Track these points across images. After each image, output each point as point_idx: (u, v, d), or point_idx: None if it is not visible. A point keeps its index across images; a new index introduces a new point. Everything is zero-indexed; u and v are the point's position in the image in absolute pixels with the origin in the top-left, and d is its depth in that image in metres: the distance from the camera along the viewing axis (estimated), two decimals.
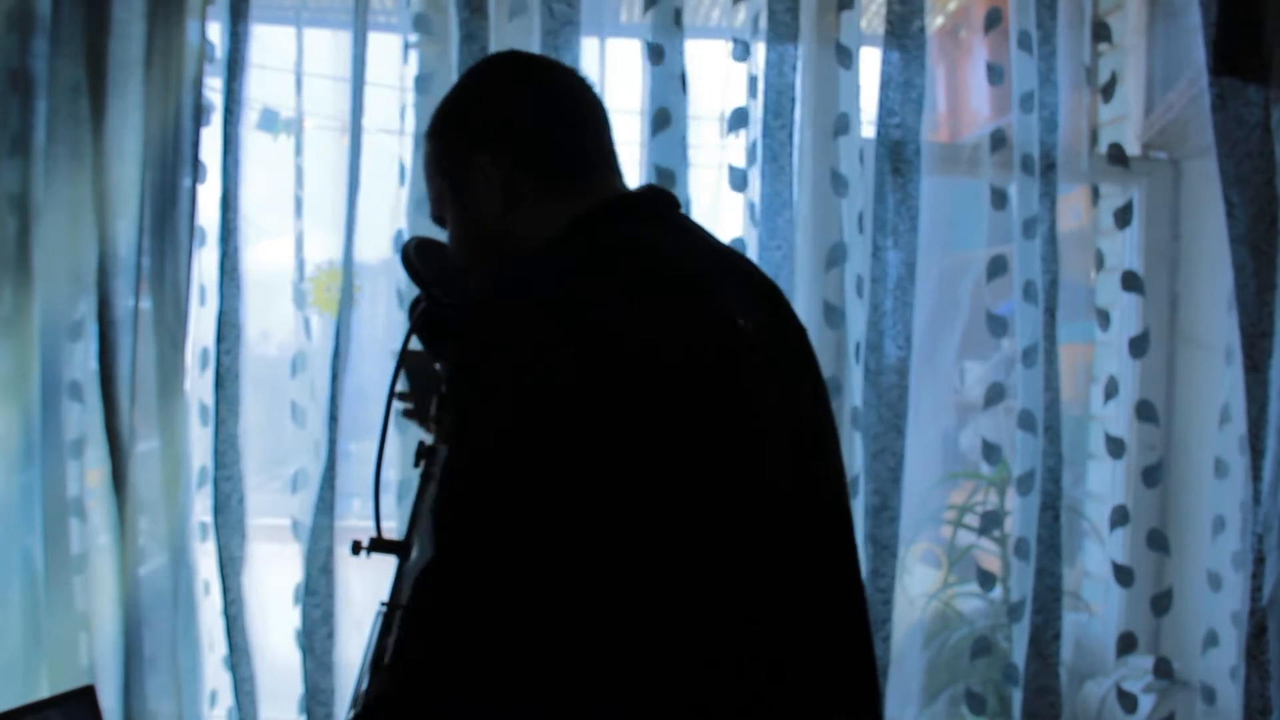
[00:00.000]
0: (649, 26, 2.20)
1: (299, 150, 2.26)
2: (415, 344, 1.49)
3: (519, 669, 1.01)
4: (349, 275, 2.20)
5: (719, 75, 2.27)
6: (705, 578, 1.05)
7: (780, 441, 1.14)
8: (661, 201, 1.27)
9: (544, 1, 2.17)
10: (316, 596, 2.19)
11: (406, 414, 1.63)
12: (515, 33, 2.20)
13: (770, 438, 1.12)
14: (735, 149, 2.26)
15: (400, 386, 1.58)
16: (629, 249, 1.15)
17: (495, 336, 1.06)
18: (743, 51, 2.24)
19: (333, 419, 2.16)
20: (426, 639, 1.03)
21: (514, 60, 1.35)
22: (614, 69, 2.25)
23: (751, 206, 2.23)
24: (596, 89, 1.30)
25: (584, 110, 1.27)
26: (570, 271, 1.10)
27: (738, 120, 2.25)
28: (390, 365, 2.13)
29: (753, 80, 2.23)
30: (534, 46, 2.18)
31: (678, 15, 2.18)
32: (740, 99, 2.24)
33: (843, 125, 2.23)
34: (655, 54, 2.19)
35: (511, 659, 1.01)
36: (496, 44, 2.20)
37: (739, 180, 2.25)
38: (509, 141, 1.23)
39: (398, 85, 2.26)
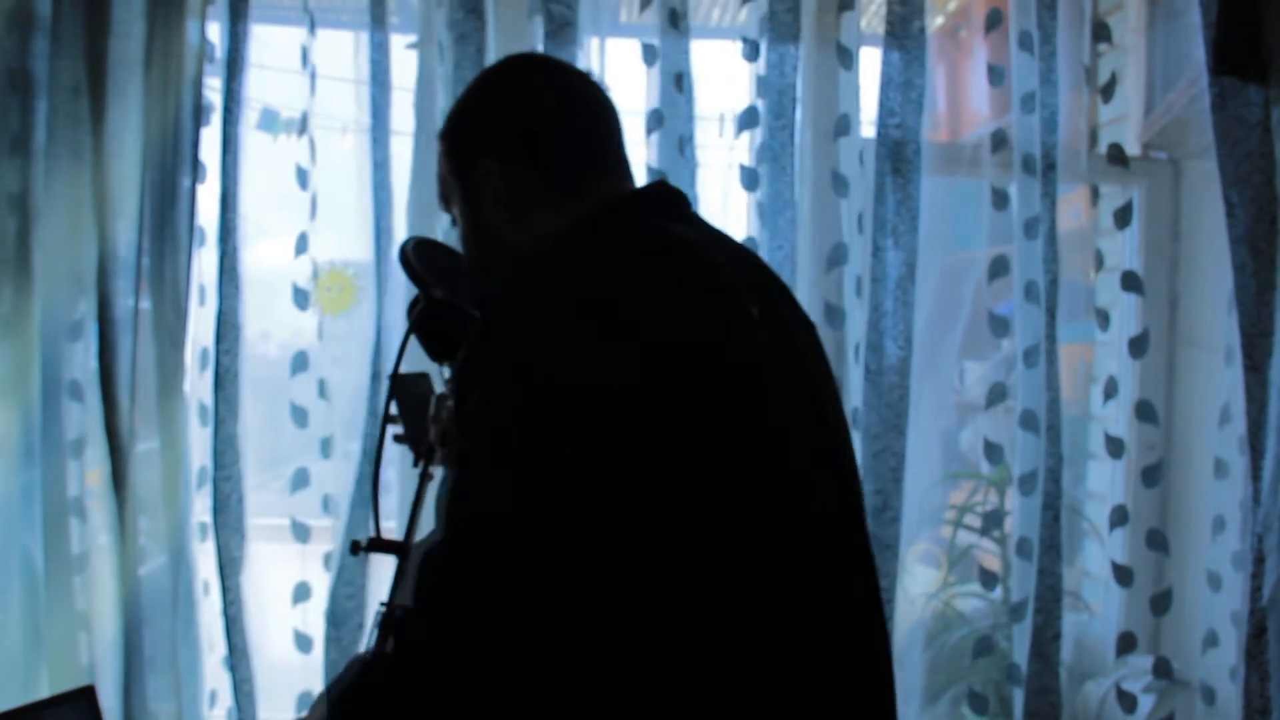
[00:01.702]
0: (648, 27, 2.20)
1: (300, 151, 2.26)
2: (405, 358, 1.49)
3: (521, 659, 1.00)
4: (381, 276, 2.20)
5: (722, 76, 2.27)
6: (724, 573, 1.03)
7: (800, 436, 1.12)
8: (669, 196, 1.26)
9: (543, 2, 2.17)
10: (351, 587, 2.19)
11: (398, 438, 1.62)
12: (512, 35, 2.21)
13: (792, 431, 1.11)
14: (739, 149, 2.26)
15: (392, 409, 1.58)
16: (637, 237, 1.14)
17: (514, 326, 1.06)
18: (751, 52, 2.24)
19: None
20: (430, 621, 1.01)
21: (526, 63, 1.36)
22: (612, 70, 2.26)
23: (757, 207, 2.23)
24: (609, 93, 1.29)
25: (597, 114, 1.27)
26: (582, 263, 1.10)
27: (741, 121, 2.25)
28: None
29: (756, 81, 2.23)
30: (535, 48, 2.19)
31: (674, 16, 2.18)
32: (743, 99, 2.25)
33: (843, 126, 2.23)
34: (652, 55, 2.19)
35: (513, 649, 1.00)
36: (494, 46, 2.20)
37: (745, 180, 2.25)
38: (519, 146, 1.23)
39: (400, 86, 2.27)
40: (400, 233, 2.22)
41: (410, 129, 2.24)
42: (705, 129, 2.26)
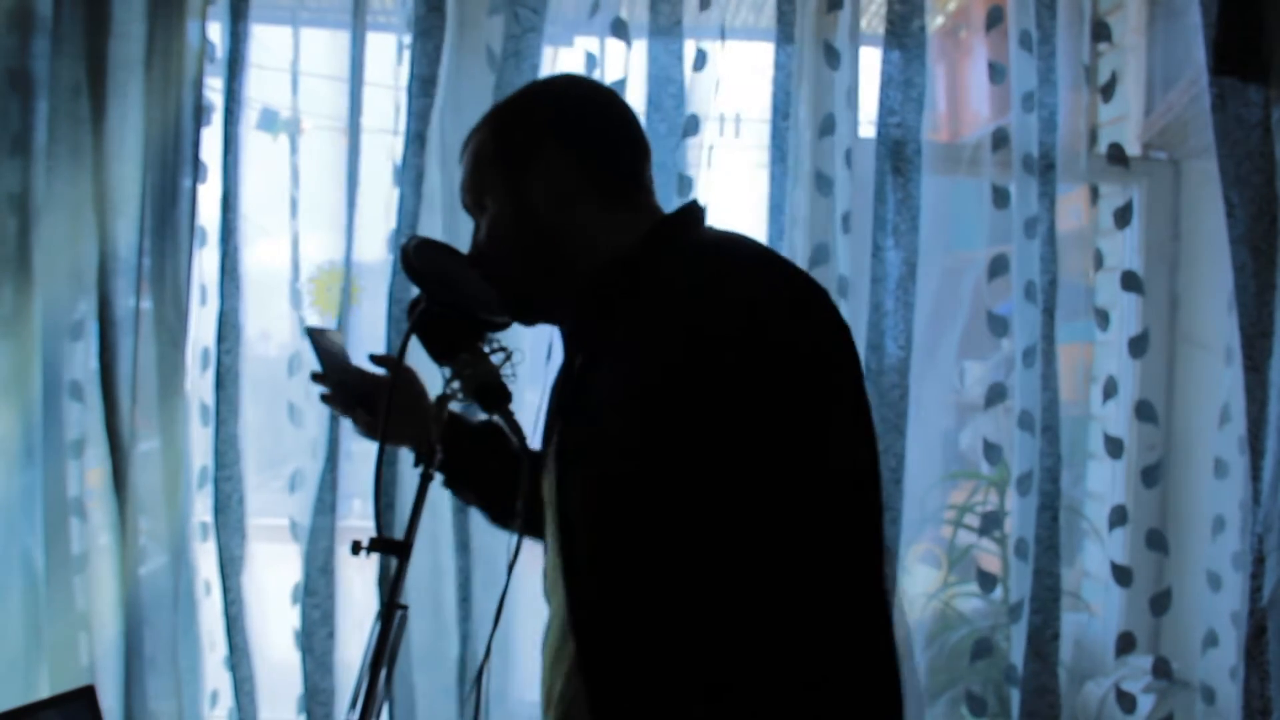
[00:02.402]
0: (600, 28, 2.21)
1: (297, 150, 2.26)
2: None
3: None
4: (349, 276, 2.20)
5: (717, 76, 2.27)
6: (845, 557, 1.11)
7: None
8: (701, 212, 1.32)
9: (509, 6, 2.17)
10: (316, 597, 2.18)
11: (324, 399, 1.62)
12: (473, 32, 2.21)
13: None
14: (740, 149, 2.26)
15: (315, 368, 1.57)
16: (756, 246, 1.23)
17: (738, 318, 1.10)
18: (700, 60, 2.24)
19: (333, 418, 2.16)
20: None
21: (583, 78, 1.43)
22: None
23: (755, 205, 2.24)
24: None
25: (641, 135, 1.32)
26: (753, 264, 1.18)
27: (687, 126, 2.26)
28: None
29: (755, 81, 2.24)
30: (495, 47, 2.20)
31: (619, 24, 2.19)
32: (745, 99, 2.25)
33: (829, 126, 2.23)
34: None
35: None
36: (451, 44, 2.20)
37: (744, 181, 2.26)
38: (594, 146, 1.26)
39: (395, 85, 2.26)
40: (361, 232, 2.22)
41: (398, 127, 2.24)
42: (709, 129, 2.26)
